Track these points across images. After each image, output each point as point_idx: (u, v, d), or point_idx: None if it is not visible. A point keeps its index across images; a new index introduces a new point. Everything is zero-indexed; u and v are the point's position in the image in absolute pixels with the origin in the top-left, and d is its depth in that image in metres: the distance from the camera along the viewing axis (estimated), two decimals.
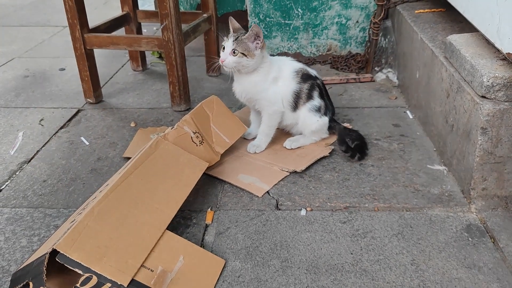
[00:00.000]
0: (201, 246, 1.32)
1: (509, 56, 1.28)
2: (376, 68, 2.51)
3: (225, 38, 1.66)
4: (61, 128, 2.03)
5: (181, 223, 1.42)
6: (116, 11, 2.55)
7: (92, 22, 2.19)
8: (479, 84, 1.35)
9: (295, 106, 1.71)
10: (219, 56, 2.51)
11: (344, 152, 1.68)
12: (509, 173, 1.39)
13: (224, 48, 1.63)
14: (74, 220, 1.21)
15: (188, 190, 1.37)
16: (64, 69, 2.73)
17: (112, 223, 1.17)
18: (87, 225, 1.14)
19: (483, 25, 1.47)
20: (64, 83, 2.52)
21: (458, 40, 1.57)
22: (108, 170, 1.70)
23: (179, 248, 1.22)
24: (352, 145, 1.75)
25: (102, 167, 1.72)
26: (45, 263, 1.04)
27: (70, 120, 2.11)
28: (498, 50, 1.40)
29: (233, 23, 1.68)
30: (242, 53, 1.59)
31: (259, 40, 1.62)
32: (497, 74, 1.30)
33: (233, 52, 1.59)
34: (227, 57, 1.60)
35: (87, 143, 1.89)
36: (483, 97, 1.35)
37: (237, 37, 1.61)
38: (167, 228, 1.25)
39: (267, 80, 1.66)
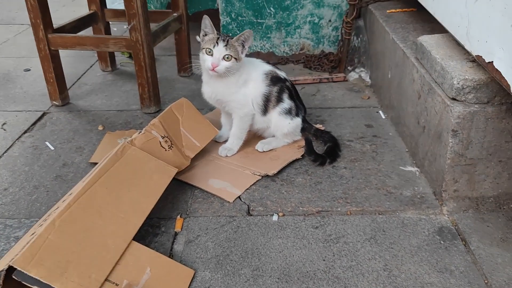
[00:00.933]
0: (170, 256, 1.28)
1: (478, 59, 1.28)
2: (349, 68, 2.50)
3: (202, 37, 1.59)
4: (25, 132, 1.95)
5: (149, 232, 1.37)
6: (86, 8, 2.46)
7: (60, 20, 2.11)
8: (450, 86, 1.34)
9: (265, 109, 1.68)
10: (190, 56, 2.48)
11: (313, 162, 1.66)
12: (479, 175, 1.40)
13: (211, 51, 1.54)
14: (34, 233, 1.15)
15: (155, 198, 1.32)
16: (29, 70, 2.63)
17: (74, 235, 1.12)
18: (48, 239, 1.08)
19: (452, 27, 1.47)
20: (29, 85, 2.43)
21: (429, 41, 1.57)
22: (74, 176, 1.64)
23: (146, 260, 1.17)
24: (325, 146, 1.74)
25: (68, 174, 1.66)
26: (1, 281, 0.99)
27: (34, 123, 2.02)
28: (468, 52, 1.39)
29: (209, 22, 1.58)
30: (234, 58, 1.55)
31: (247, 45, 1.58)
32: (467, 77, 1.30)
33: (226, 57, 1.54)
34: (219, 63, 1.53)
35: (52, 148, 1.82)
36: (454, 99, 1.34)
37: (227, 41, 1.54)
38: (134, 238, 1.21)
39: (238, 82, 1.62)
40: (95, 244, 1.13)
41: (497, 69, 1.16)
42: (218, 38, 1.55)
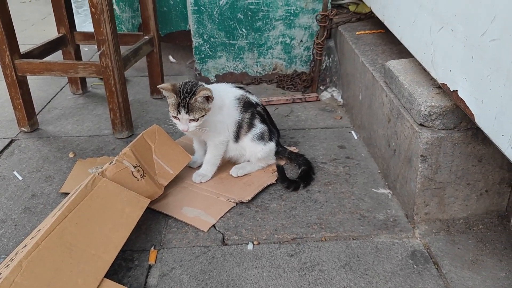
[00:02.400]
0: None
1: (444, 86, 1.31)
2: (321, 87, 2.53)
3: (170, 95, 1.52)
4: None
5: (122, 266, 1.34)
6: (55, 26, 2.41)
7: (30, 39, 2.07)
8: (417, 113, 1.37)
9: (237, 136, 1.67)
10: (162, 78, 2.47)
11: (286, 188, 1.66)
12: (449, 198, 1.43)
13: (177, 117, 1.53)
14: (0, 274, 1.11)
15: (128, 232, 1.30)
16: None
17: (43, 276, 1.09)
18: (14, 282, 1.05)
19: (418, 53, 1.50)
20: None
21: (397, 66, 1.60)
22: (44, 208, 1.60)
23: None
24: (299, 170, 1.75)
25: (37, 205, 1.61)
26: None
27: (1, 152, 1.97)
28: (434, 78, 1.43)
29: (165, 90, 1.53)
30: (202, 115, 1.54)
31: (211, 98, 1.53)
32: (433, 103, 1.33)
33: (192, 120, 1.53)
34: (189, 127, 1.53)
35: (21, 178, 1.77)
36: (422, 125, 1.37)
37: (188, 106, 1.49)
38: (106, 274, 1.18)
39: (214, 110, 1.60)
40: (64, 284, 1.11)
41: (461, 98, 1.20)
42: (178, 104, 1.51)
